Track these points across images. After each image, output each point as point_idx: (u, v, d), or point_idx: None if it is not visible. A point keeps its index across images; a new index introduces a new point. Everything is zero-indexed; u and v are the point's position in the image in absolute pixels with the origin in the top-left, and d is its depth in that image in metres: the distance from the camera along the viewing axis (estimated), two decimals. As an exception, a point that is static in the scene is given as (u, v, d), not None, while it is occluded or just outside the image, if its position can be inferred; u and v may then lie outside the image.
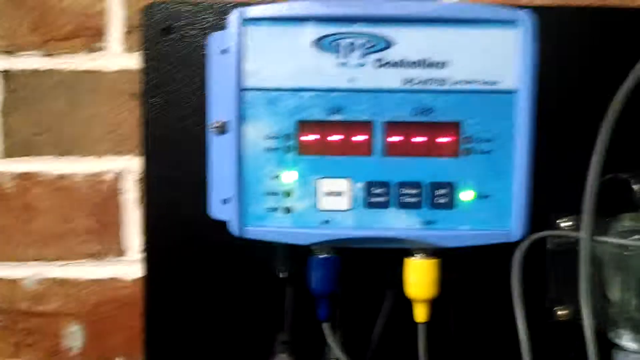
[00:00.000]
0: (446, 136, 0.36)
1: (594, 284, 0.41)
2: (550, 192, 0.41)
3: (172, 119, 0.45)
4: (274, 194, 0.37)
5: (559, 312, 0.43)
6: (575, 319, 0.43)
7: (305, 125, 0.36)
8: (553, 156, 0.41)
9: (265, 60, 0.36)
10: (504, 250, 0.38)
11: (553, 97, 0.40)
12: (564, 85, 0.42)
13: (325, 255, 0.38)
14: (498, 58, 0.35)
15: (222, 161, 0.38)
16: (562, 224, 0.43)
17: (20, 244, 0.49)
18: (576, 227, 0.41)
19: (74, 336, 0.50)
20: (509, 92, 0.35)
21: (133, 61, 0.47)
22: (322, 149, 0.36)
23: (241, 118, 0.36)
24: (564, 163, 0.42)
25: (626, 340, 0.40)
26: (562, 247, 0.43)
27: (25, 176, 0.48)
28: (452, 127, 0.36)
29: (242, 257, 0.44)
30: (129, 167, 0.48)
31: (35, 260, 0.49)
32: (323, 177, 0.36)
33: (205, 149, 0.39)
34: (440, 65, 0.35)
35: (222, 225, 0.38)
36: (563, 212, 0.42)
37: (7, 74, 0.48)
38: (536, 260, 0.42)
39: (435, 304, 0.38)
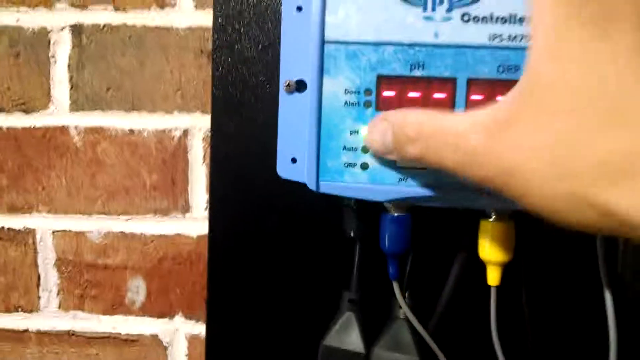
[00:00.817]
0: (531, 95, 0.35)
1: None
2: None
3: (241, 77, 0.45)
4: (352, 149, 0.36)
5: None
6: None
7: (385, 80, 0.35)
8: None
9: (348, 12, 0.35)
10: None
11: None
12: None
13: (399, 214, 0.37)
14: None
15: (294, 118, 0.38)
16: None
17: (87, 198, 0.50)
18: None
19: (137, 290, 0.50)
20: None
21: (204, 18, 0.47)
22: (402, 104, 0.35)
23: (321, 72, 0.36)
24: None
25: None
26: None
27: (93, 130, 0.49)
28: (538, 86, 0.35)
29: (309, 216, 0.44)
30: (197, 124, 0.48)
31: (102, 214, 0.50)
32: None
33: (276, 107, 0.39)
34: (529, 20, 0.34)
35: (289, 184, 0.38)
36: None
37: (76, 28, 0.49)
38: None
39: (509, 269, 0.38)
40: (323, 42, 0.35)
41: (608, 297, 0.34)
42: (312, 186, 0.37)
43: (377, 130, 0.33)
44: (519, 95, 0.26)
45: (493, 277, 0.38)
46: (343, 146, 0.36)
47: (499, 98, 0.35)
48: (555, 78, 0.24)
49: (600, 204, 0.22)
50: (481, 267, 0.38)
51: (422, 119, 0.30)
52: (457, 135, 0.27)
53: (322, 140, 0.36)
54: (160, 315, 0.50)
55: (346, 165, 0.36)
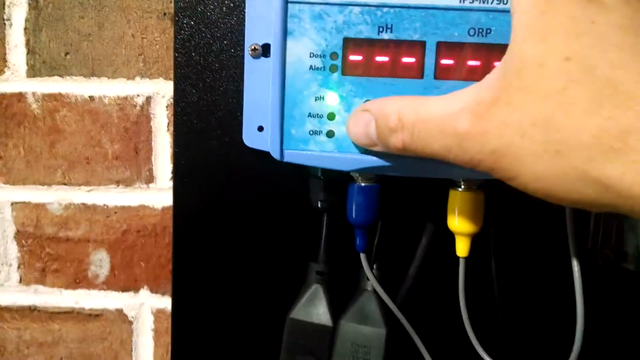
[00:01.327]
0: (503, 60, 0.34)
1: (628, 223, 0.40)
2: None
3: (205, 41, 0.43)
4: (317, 116, 0.35)
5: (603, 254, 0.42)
6: (618, 263, 0.41)
7: (352, 43, 0.34)
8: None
9: (313, -29, 0.33)
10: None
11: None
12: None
13: (367, 184, 0.36)
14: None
15: (260, 84, 0.36)
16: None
17: (46, 168, 0.48)
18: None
19: (100, 263, 0.49)
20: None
21: (166, -21, 0.45)
22: (369, 69, 0.34)
23: (285, 34, 0.34)
24: None
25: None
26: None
27: (52, 97, 0.47)
28: (510, 50, 0.33)
29: (275, 186, 0.43)
30: (160, 90, 0.46)
31: (62, 184, 0.48)
32: (369, 100, 0.34)
33: (242, 73, 0.37)
34: (502, -18, 0.33)
35: (255, 153, 0.37)
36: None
37: (33, -11, 0.46)
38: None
39: (478, 240, 0.37)
40: (287, 1, 0.34)
41: (576, 268, 0.34)
42: (275, 155, 0.35)
43: (360, 122, 0.32)
44: (504, 75, 0.25)
45: (462, 248, 0.37)
46: (308, 113, 0.35)
47: (471, 62, 0.34)
48: (543, 58, 0.23)
49: (599, 178, 0.22)
50: (451, 237, 0.37)
51: (403, 107, 0.28)
52: (442, 121, 0.26)
53: (286, 107, 0.35)
54: (125, 289, 0.49)
55: (311, 133, 0.35)
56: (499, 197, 0.37)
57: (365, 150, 0.34)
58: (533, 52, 0.24)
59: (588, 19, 0.23)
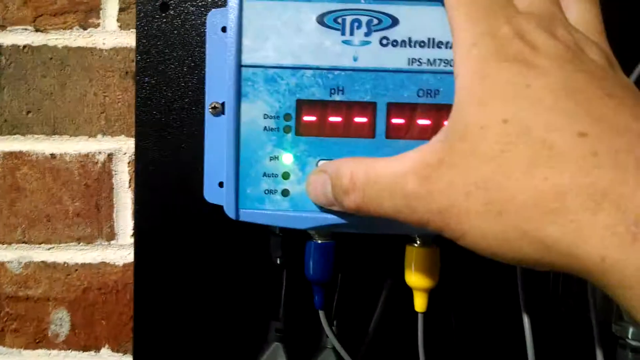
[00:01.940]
0: (452, 119, 0.34)
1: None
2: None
3: (166, 99, 0.43)
4: (272, 175, 0.35)
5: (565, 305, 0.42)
6: (581, 311, 0.42)
7: (305, 105, 0.35)
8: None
9: (266, 36, 0.34)
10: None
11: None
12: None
13: (323, 241, 0.37)
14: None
15: (218, 142, 0.37)
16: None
17: (6, 226, 0.47)
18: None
19: (60, 322, 0.48)
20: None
21: (128, 39, 0.46)
22: (322, 130, 0.35)
23: (239, 96, 0.35)
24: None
25: (631, 336, 0.39)
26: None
27: (13, 155, 0.47)
28: (459, 110, 0.34)
29: (236, 243, 0.43)
30: (121, 148, 0.46)
31: (22, 242, 0.47)
32: (323, 159, 0.35)
33: (202, 130, 0.38)
34: (449, 45, 0.34)
35: (216, 210, 0.37)
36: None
37: (-4, 49, 0.46)
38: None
39: (436, 295, 0.37)
40: (240, 65, 0.34)
41: (527, 325, 0.34)
42: (231, 214, 0.35)
43: (317, 183, 0.32)
44: (448, 138, 0.26)
45: (419, 303, 0.37)
46: (263, 172, 0.35)
47: (421, 122, 0.35)
48: (484, 121, 0.24)
49: (540, 238, 0.23)
50: (410, 293, 0.37)
51: (355, 168, 0.29)
52: (391, 181, 0.27)
53: (241, 167, 0.35)
54: (86, 348, 0.48)
55: (266, 192, 0.35)
56: (456, 251, 0.38)
57: (321, 208, 0.35)
58: (474, 116, 0.25)
59: (524, 83, 0.24)
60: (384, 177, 0.28)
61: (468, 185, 0.24)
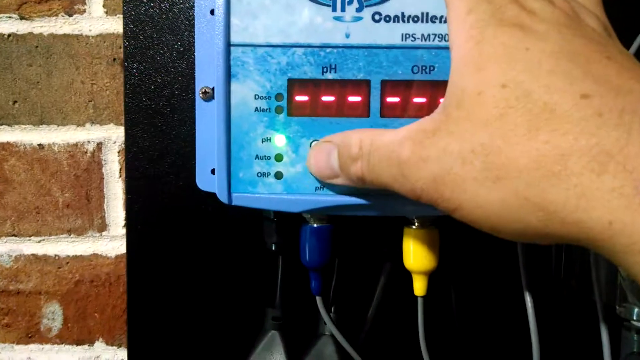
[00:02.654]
0: (448, 96, 0.34)
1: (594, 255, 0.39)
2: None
3: (156, 86, 0.42)
4: (265, 158, 0.34)
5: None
6: (584, 293, 0.41)
7: (297, 85, 0.34)
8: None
9: (255, 14, 0.33)
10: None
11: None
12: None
13: (318, 224, 0.36)
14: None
15: (210, 129, 0.36)
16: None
17: (-5, 219, 0.46)
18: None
19: (52, 316, 0.47)
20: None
21: (116, 24, 0.45)
22: (315, 109, 0.34)
23: (228, 77, 0.34)
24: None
25: (636, 317, 0.39)
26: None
27: (0, 146, 0.46)
28: (455, 86, 0.33)
29: (231, 231, 0.42)
30: (111, 136, 0.45)
31: (11, 235, 0.46)
32: (317, 140, 0.34)
33: (194, 117, 0.37)
34: (442, 19, 0.33)
35: (209, 197, 0.36)
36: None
37: (-20, 38, 0.45)
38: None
39: (436, 278, 0.36)
40: (229, 45, 0.33)
41: (529, 304, 0.33)
42: (223, 199, 0.34)
43: (321, 152, 0.32)
44: (445, 107, 0.25)
45: (419, 286, 0.36)
46: (255, 155, 0.34)
47: (416, 99, 0.34)
48: (481, 87, 0.24)
49: (541, 204, 0.22)
50: (410, 277, 0.36)
51: (363, 135, 0.29)
52: (389, 149, 0.27)
53: (232, 150, 0.34)
54: (79, 342, 0.47)
55: (259, 175, 0.34)
56: (456, 233, 0.37)
57: (321, 183, 0.34)
58: (471, 82, 0.24)
59: (522, 47, 0.23)
60: (384, 146, 0.27)
61: (464, 152, 0.23)
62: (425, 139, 0.25)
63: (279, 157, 0.34)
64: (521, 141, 0.22)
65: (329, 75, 0.34)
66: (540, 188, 0.22)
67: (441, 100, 0.34)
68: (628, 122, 0.21)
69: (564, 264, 0.42)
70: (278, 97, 0.34)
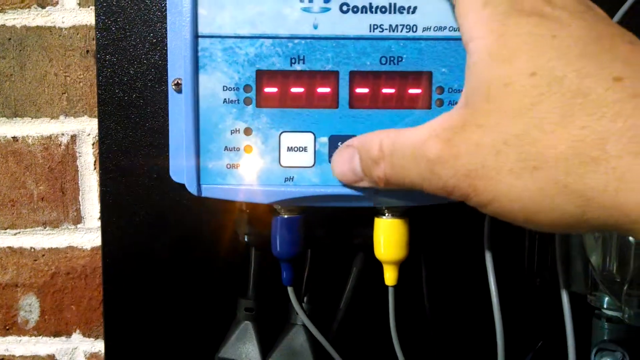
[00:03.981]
0: (417, 87, 0.34)
1: (579, 245, 0.40)
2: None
3: (129, 78, 0.42)
4: (234, 149, 0.34)
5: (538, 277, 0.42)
6: (557, 283, 0.41)
7: (265, 76, 0.34)
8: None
9: (222, 5, 0.33)
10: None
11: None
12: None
13: (289, 215, 0.36)
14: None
15: (182, 119, 0.36)
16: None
17: (-30, 212, 0.46)
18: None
19: (29, 309, 0.47)
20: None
21: (88, 16, 0.44)
22: (284, 101, 0.34)
23: (196, 68, 0.34)
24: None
25: (606, 305, 0.39)
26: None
27: (-27, 139, 0.46)
28: (424, 77, 0.34)
29: (205, 222, 0.42)
30: (85, 129, 0.45)
31: (-13, 228, 0.46)
32: (286, 132, 0.34)
33: (167, 108, 0.37)
34: (410, 10, 0.33)
35: (183, 189, 0.36)
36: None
37: (-47, 30, 0.45)
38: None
39: (409, 268, 0.36)
40: (196, 36, 0.33)
41: (494, 292, 0.33)
42: (192, 190, 0.34)
43: (343, 158, 0.31)
44: (469, 101, 0.25)
45: (390, 276, 0.36)
46: (224, 147, 0.34)
47: (385, 90, 0.34)
48: (509, 78, 0.23)
49: (580, 191, 0.21)
50: (382, 267, 0.37)
51: (382, 136, 0.28)
52: (415, 147, 0.26)
53: (201, 142, 0.34)
54: (56, 334, 0.47)
55: (228, 166, 0.34)
56: (427, 223, 0.37)
57: (285, 181, 0.34)
58: (498, 74, 0.24)
59: (548, 34, 0.23)
60: (408, 145, 0.26)
61: (498, 144, 0.23)
62: (454, 135, 0.24)
63: (248, 149, 0.34)
64: (556, 129, 0.22)
65: (297, 67, 0.34)
66: (579, 174, 0.21)
67: (410, 90, 0.35)
68: None
69: (537, 255, 0.42)
70: (246, 88, 0.34)
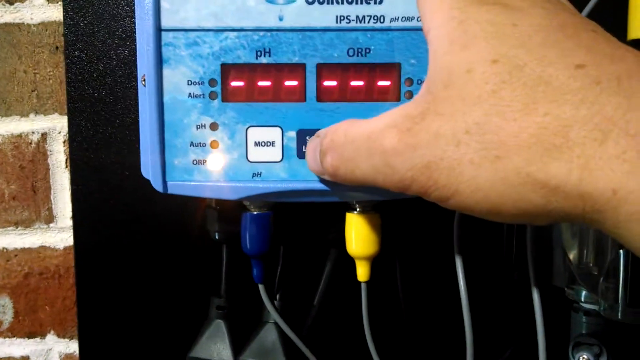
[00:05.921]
0: (386, 79, 0.33)
1: (556, 240, 0.39)
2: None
3: (99, 74, 0.41)
4: (200, 145, 0.33)
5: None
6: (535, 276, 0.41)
7: (230, 69, 0.33)
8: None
9: (186, -3, 0.32)
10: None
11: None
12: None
13: (258, 212, 0.35)
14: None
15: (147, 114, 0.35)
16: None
17: (-60, 213, 0.45)
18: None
19: (2, 310, 0.46)
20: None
21: (56, 12, 0.44)
22: (250, 95, 0.33)
23: (160, 62, 0.33)
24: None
25: (584, 299, 0.39)
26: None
27: (-58, 139, 0.45)
28: (392, 68, 0.33)
29: (176, 219, 0.41)
30: (55, 126, 0.44)
31: (-42, 229, 0.46)
32: (253, 126, 0.33)
33: (137, 104, 0.36)
34: (377, 0, 0.32)
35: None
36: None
37: None
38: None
39: (382, 264, 0.36)
40: (159, 29, 0.33)
41: (463, 288, 0.33)
42: (158, 187, 0.34)
43: (309, 148, 0.30)
44: (429, 89, 0.24)
45: (362, 272, 0.36)
46: (190, 142, 0.34)
47: (353, 83, 0.33)
48: (470, 64, 0.22)
49: (544, 180, 0.21)
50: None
51: (336, 127, 0.27)
52: (370, 138, 0.25)
53: (166, 137, 0.33)
54: (31, 335, 0.47)
55: (195, 162, 0.34)
56: (401, 219, 0.37)
57: (253, 177, 0.33)
58: (458, 60, 0.23)
59: (509, 23, 0.22)
60: (362, 135, 0.25)
61: (458, 133, 0.22)
62: (412, 125, 0.23)
63: (214, 144, 0.33)
64: (519, 116, 0.21)
65: (263, 60, 0.33)
66: (542, 163, 0.21)
67: (379, 83, 0.34)
68: (627, 88, 0.20)
69: (515, 248, 0.42)
70: (211, 82, 0.33)
